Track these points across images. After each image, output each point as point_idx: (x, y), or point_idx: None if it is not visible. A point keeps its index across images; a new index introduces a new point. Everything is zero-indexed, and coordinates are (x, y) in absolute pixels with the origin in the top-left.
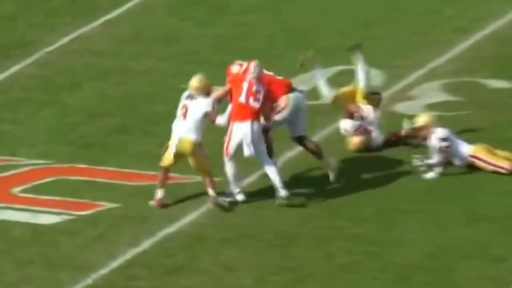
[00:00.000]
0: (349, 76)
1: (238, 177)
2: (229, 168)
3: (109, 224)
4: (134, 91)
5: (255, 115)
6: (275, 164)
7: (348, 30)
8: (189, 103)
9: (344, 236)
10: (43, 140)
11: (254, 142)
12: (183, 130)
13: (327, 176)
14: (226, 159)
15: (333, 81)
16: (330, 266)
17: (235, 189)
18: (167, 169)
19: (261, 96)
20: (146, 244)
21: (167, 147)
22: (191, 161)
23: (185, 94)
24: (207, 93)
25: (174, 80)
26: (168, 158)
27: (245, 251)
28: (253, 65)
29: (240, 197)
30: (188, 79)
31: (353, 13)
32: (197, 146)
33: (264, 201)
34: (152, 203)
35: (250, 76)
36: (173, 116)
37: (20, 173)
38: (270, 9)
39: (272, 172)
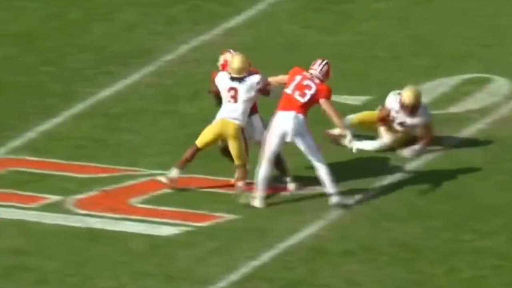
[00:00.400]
0: (475, 85)
1: (269, 182)
2: (264, 170)
3: (229, 236)
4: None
5: (299, 109)
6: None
7: (475, 37)
8: (238, 85)
9: (470, 249)
10: (162, 151)
11: (298, 132)
12: (230, 112)
13: (451, 187)
14: (263, 160)
15: (458, 91)
16: (455, 281)
17: (258, 193)
18: (198, 150)
19: (309, 93)
20: (266, 257)
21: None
22: (232, 145)
23: (226, 76)
24: (250, 72)
25: None
26: (204, 138)
27: (367, 264)
28: (320, 62)
29: (258, 203)
30: None
31: (481, 19)
32: (240, 130)
33: (387, 213)
34: (161, 179)
35: (309, 71)
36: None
37: (139, 183)
38: (395, 16)
39: (323, 173)
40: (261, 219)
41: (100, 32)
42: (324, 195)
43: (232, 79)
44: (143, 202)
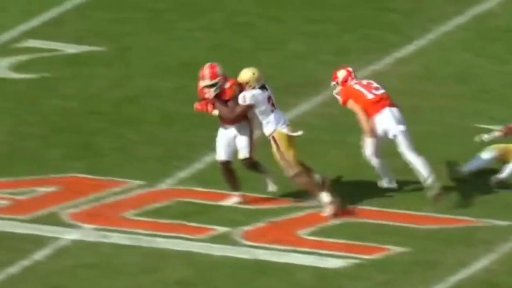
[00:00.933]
0: None
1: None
2: (378, 164)
3: (398, 269)
4: (426, 131)
5: (389, 102)
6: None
7: None
8: (269, 92)
9: None
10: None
11: (401, 124)
12: (284, 119)
13: None
14: (373, 159)
15: None
16: None
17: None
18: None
19: (377, 84)
20: None
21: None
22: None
23: (257, 91)
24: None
25: (468, 119)
26: (296, 155)
27: None
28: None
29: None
30: (484, 119)
31: None
32: None
33: None
34: (323, 213)
35: (353, 81)
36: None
37: (306, 215)
38: None
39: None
40: (431, 252)
41: (268, 62)
42: (500, 227)
43: (262, 88)
44: (310, 234)
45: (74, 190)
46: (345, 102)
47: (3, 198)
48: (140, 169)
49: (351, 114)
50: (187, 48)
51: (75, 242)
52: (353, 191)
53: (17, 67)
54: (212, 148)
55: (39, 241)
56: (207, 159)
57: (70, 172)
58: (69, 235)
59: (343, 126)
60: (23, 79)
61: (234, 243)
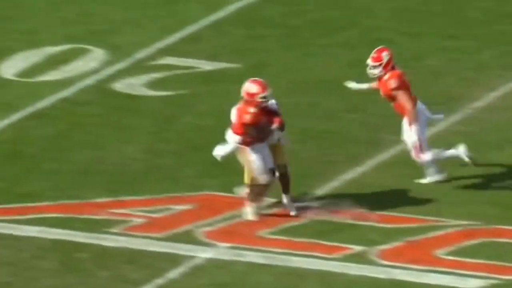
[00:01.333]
0: None
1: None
2: (438, 153)
3: None
4: None
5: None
6: None
7: None
8: None
9: None
10: (468, 200)
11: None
12: None
13: None
14: (425, 155)
15: None
16: None
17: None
18: None
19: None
20: None
21: None
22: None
23: (274, 101)
24: None
25: None
26: None
27: None
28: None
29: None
30: None
31: None
32: None
33: None
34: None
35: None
36: None
37: (445, 234)
38: None
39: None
40: None
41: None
42: None
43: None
44: (448, 254)
45: (209, 208)
46: (397, 89)
47: (138, 216)
48: (275, 187)
49: (490, 132)
50: (323, 65)
51: (210, 261)
52: (490, 210)
53: (153, 85)
54: (350, 165)
55: (174, 260)
56: (344, 177)
57: (205, 190)
58: (204, 254)
59: (482, 144)
60: (159, 96)
61: (370, 262)
